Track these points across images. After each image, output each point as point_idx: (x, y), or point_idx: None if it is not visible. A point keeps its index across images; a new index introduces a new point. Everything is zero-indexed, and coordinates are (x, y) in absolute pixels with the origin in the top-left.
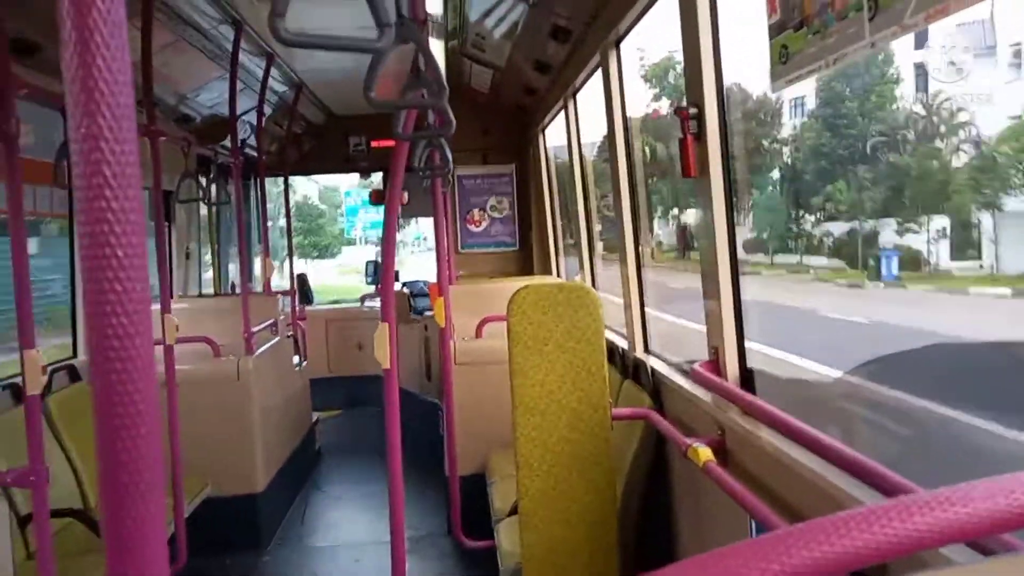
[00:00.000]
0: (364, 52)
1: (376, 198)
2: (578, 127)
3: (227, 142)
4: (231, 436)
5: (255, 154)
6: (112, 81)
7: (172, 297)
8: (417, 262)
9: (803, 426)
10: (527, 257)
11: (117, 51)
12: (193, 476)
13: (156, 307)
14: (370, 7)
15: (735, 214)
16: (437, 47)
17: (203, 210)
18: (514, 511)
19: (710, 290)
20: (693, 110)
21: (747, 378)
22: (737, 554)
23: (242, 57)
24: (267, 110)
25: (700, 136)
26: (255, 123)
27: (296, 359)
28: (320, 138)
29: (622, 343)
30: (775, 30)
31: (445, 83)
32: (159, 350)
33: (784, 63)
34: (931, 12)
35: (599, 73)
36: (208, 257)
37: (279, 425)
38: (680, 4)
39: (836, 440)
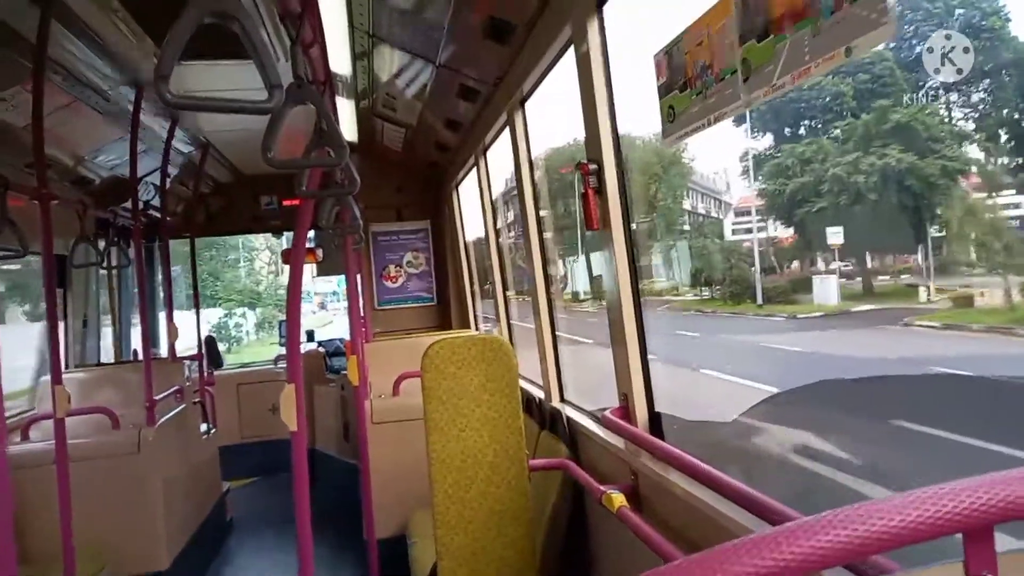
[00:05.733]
0: (253, 113)
1: (287, 258)
2: (489, 183)
3: (129, 204)
4: (131, 511)
5: (159, 215)
6: None
7: (67, 367)
8: (342, 321)
9: (707, 467)
10: (445, 312)
11: None
12: (89, 557)
13: (47, 378)
14: (259, 70)
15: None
16: (347, 107)
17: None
18: (435, 571)
19: (617, 338)
20: (593, 166)
21: (656, 422)
22: None
23: (144, 118)
24: (172, 170)
25: (601, 190)
26: (159, 184)
27: (204, 426)
28: (229, 198)
29: (539, 393)
30: (663, 91)
31: (345, 143)
32: (49, 424)
33: (672, 122)
34: (796, 74)
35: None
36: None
37: (185, 497)
38: (578, 67)
39: (738, 480)
